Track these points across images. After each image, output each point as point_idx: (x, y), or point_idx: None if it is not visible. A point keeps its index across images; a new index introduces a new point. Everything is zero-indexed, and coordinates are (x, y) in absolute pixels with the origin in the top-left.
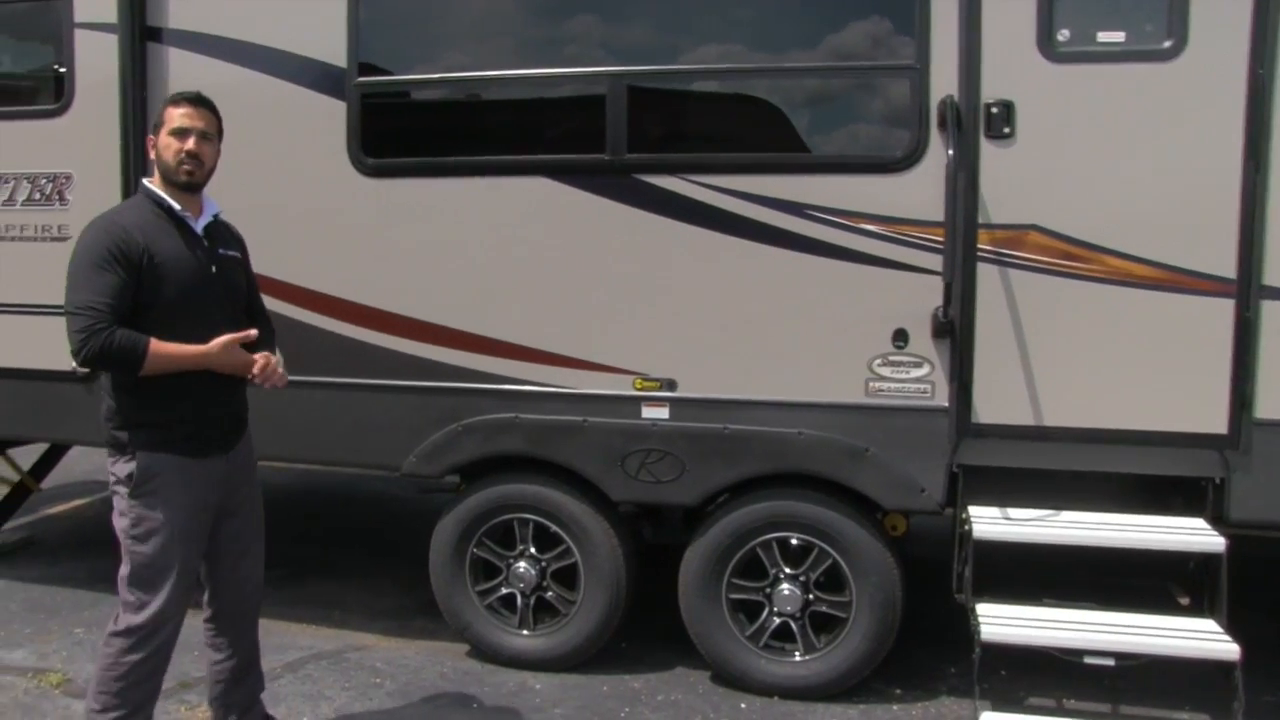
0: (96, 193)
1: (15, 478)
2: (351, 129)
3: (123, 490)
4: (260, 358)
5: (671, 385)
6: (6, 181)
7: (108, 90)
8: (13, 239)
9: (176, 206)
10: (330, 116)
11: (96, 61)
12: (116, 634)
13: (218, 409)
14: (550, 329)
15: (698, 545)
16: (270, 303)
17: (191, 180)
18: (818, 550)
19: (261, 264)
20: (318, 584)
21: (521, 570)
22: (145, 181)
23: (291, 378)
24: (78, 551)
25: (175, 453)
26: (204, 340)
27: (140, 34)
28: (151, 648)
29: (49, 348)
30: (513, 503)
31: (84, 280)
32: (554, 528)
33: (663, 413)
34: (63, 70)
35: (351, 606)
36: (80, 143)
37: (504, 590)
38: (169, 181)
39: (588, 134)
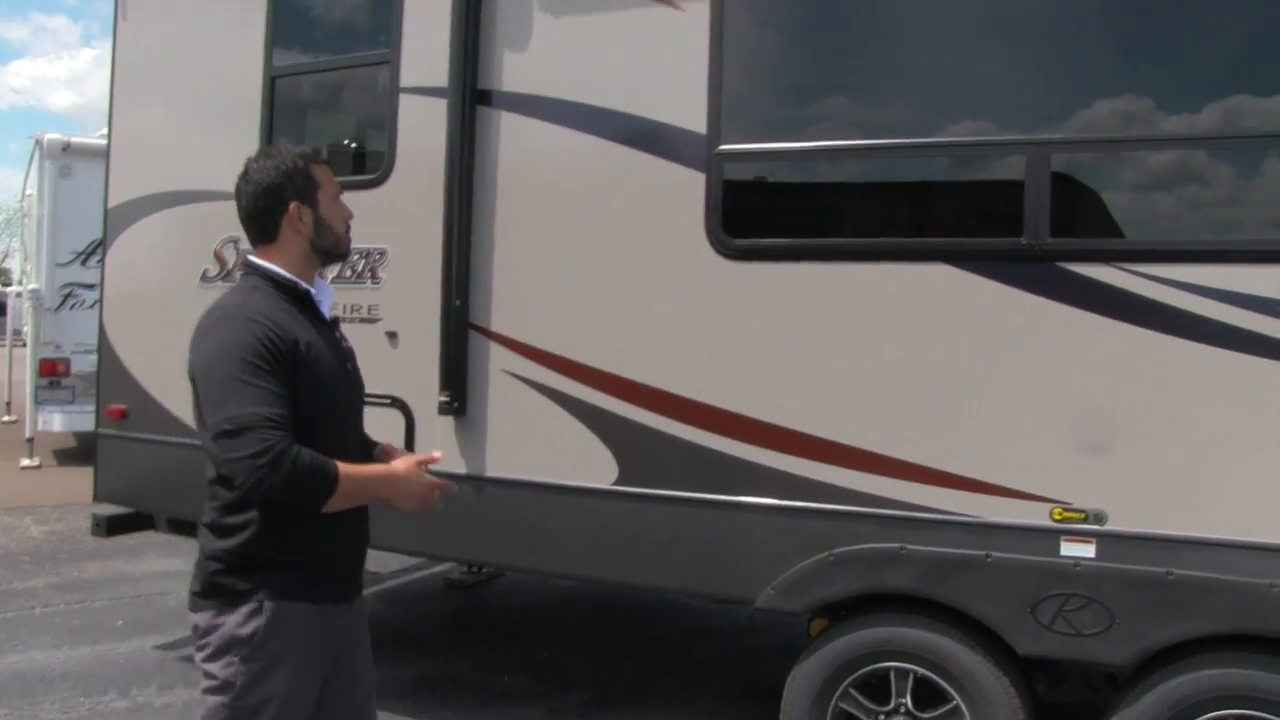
0: (413, 271)
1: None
2: (711, 204)
3: (233, 654)
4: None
5: (1100, 518)
6: None
7: (432, 159)
8: None
9: (312, 290)
10: (684, 188)
11: (421, 128)
12: None
13: (361, 539)
14: (946, 444)
15: (1124, 716)
16: (608, 401)
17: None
18: None
19: (596, 356)
20: (629, 714)
21: None
22: (258, 260)
23: (632, 489)
24: None
25: (309, 599)
26: (347, 460)
27: (471, 98)
28: None
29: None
30: (892, 649)
31: (239, 387)
32: (941, 682)
33: (1088, 550)
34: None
35: None
36: (398, 216)
37: None
38: (323, 253)
39: (999, 214)
